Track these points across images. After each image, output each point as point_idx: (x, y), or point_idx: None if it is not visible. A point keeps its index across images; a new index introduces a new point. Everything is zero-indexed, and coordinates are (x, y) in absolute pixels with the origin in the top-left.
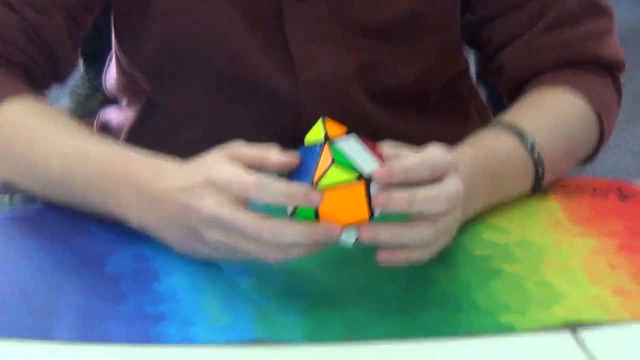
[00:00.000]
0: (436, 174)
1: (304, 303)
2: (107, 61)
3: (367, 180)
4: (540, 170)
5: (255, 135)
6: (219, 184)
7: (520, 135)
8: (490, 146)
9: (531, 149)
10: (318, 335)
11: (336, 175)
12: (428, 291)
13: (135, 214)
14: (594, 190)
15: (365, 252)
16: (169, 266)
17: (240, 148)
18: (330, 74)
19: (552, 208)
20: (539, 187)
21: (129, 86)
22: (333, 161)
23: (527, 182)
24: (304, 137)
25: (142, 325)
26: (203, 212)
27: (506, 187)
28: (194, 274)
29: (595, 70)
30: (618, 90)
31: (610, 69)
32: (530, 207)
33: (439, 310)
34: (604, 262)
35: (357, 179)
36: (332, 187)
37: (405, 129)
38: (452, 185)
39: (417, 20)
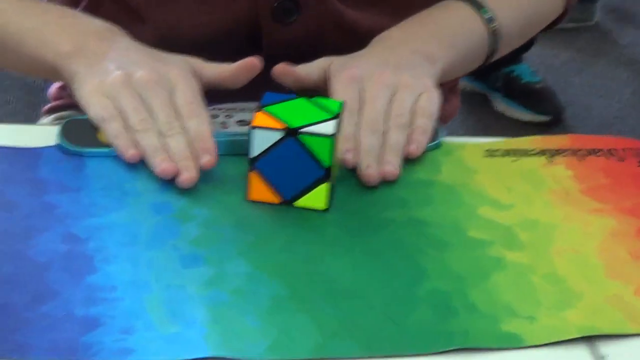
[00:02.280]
0: None
1: (266, 302)
2: None
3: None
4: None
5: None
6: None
7: (477, 5)
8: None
9: (489, 21)
10: (284, 349)
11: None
12: (416, 286)
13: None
14: (610, 152)
15: (337, 245)
16: (106, 250)
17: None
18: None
19: (560, 175)
20: (491, 57)
21: None
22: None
23: (483, 46)
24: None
25: (69, 332)
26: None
27: (457, 42)
28: (136, 260)
29: None
30: None
31: None
32: (535, 173)
33: (429, 313)
34: (624, 249)
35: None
36: None
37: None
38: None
39: None
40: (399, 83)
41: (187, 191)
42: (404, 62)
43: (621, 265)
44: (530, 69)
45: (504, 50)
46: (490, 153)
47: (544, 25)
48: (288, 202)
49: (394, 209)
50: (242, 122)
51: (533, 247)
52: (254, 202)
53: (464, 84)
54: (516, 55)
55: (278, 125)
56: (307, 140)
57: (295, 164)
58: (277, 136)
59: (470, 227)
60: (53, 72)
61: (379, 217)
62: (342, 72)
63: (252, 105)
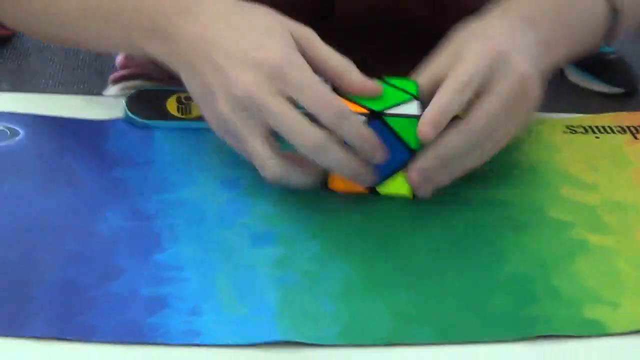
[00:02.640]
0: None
1: (339, 286)
2: None
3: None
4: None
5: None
6: (287, 79)
7: None
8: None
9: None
10: (356, 334)
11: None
12: (495, 270)
13: (160, 54)
14: None
15: (413, 227)
16: (174, 227)
17: (316, 42)
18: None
19: None
20: (611, 37)
21: None
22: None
23: (600, 30)
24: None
25: (134, 313)
26: (240, 87)
27: (577, 35)
28: (204, 238)
29: None
30: None
31: None
32: (620, 151)
33: (510, 299)
34: None
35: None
36: None
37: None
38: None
39: None
40: (525, 86)
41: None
42: (530, 53)
43: None
44: None
45: (618, 35)
46: (571, 129)
47: None
48: (372, 190)
49: (471, 189)
50: None
51: (618, 230)
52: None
53: None
54: None
55: (360, 109)
56: (393, 123)
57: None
58: (360, 120)
59: (552, 208)
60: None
61: (456, 198)
62: (479, 42)
63: None
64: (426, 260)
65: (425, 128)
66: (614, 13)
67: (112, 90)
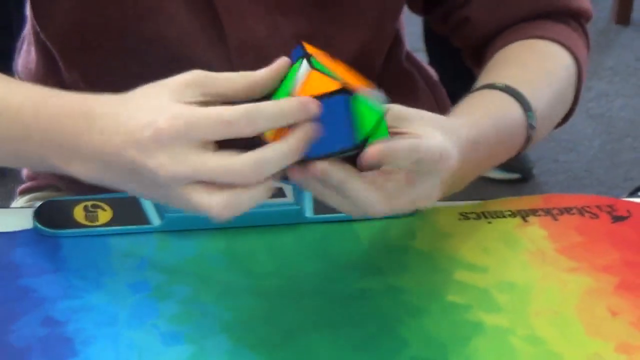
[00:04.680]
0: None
1: None
2: (17, 50)
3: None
4: (529, 139)
5: None
6: (192, 135)
7: (526, 107)
8: (496, 116)
9: (530, 126)
10: None
11: (317, 80)
12: (397, 355)
13: (82, 171)
14: (583, 209)
15: (316, 320)
16: (86, 331)
17: (208, 79)
18: (264, 36)
19: (535, 235)
20: (518, 154)
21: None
22: (312, 67)
23: (514, 151)
24: None
25: None
26: (161, 174)
27: (499, 157)
28: (116, 340)
29: (567, 20)
30: (587, 42)
31: (579, 19)
32: (510, 234)
33: None
34: (602, 306)
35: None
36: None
37: None
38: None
39: None
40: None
41: (164, 268)
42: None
43: (600, 323)
44: None
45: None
46: (465, 216)
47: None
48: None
49: (371, 277)
50: None
51: (511, 309)
52: (232, 277)
53: None
54: None
55: (332, 82)
56: (360, 105)
57: (331, 124)
58: (331, 86)
59: (448, 292)
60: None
61: (357, 286)
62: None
63: None
64: (331, 349)
65: (374, 153)
66: (529, 137)
67: (20, 201)
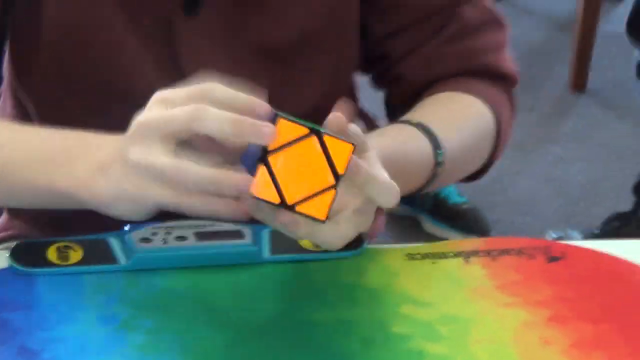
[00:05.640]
0: None
1: None
2: None
3: (320, 134)
4: (433, 182)
5: None
6: (147, 125)
7: (435, 143)
8: (403, 143)
9: (437, 163)
10: None
11: (285, 129)
12: None
13: (85, 188)
14: (521, 251)
15: (269, 332)
16: (59, 358)
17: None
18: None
19: (476, 274)
20: (422, 190)
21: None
22: (278, 116)
23: (418, 183)
24: None
25: None
26: (130, 161)
27: (405, 186)
28: None
29: (493, 81)
30: (513, 104)
31: (506, 82)
32: (454, 274)
33: None
34: (535, 336)
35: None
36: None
37: None
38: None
39: (312, 39)
40: None
41: (131, 303)
42: None
43: (533, 351)
44: (456, 190)
45: (433, 188)
46: (411, 257)
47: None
48: (288, 207)
49: (323, 312)
50: (180, 238)
51: (452, 339)
52: (195, 311)
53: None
54: None
55: (299, 127)
56: (330, 143)
57: (308, 165)
58: (300, 132)
59: (394, 324)
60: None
61: (310, 319)
62: None
63: (189, 223)
64: None
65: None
66: (435, 173)
67: None
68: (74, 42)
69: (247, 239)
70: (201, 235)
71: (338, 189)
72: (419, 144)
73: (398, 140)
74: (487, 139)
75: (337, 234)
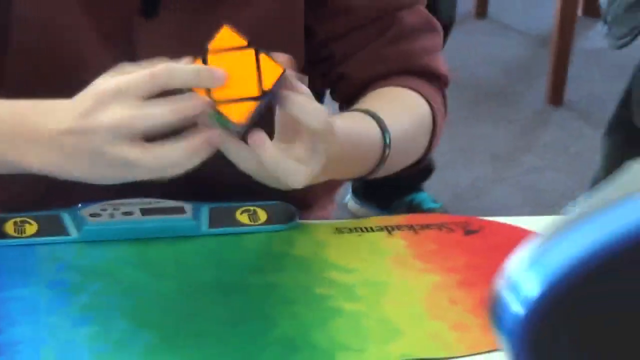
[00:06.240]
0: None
1: (142, 348)
2: None
3: (257, 51)
4: (382, 164)
5: None
6: (112, 91)
7: (382, 127)
8: (355, 125)
9: (385, 145)
10: None
11: (226, 37)
12: (267, 332)
13: (36, 160)
14: (442, 225)
15: (205, 294)
16: (11, 316)
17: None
18: None
19: (398, 245)
20: (371, 174)
21: None
22: (224, 27)
23: (370, 165)
24: None
25: None
26: (104, 126)
27: (357, 165)
28: (36, 323)
29: (429, 80)
30: (445, 102)
31: (440, 82)
32: (377, 244)
33: (277, 351)
34: (445, 297)
35: (247, 47)
36: (223, 52)
37: None
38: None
39: (261, 41)
40: None
41: (79, 270)
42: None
43: (442, 310)
44: (430, 196)
45: (381, 173)
46: (339, 230)
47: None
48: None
49: (253, 277)
50: (127, 214)
51: (368, 299)
52: (138, 277)
53: (369, 213)
54: (416, 184)
55: (238, 38)
56: (263, 60)
57: (239, 73)
58: (239, 43)
59: (317, 286)
60: None
61: (241, 284)
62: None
63: (136, 200)
64: (215, 327)
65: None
66: (384, 155)
67: None
68: (41, 41)
69: (188, 214)
70: (146, 211)
71: (261, 102)
72: (368, 126)
73: (350, 122)
74: (425, 127)
75: (291, 171)
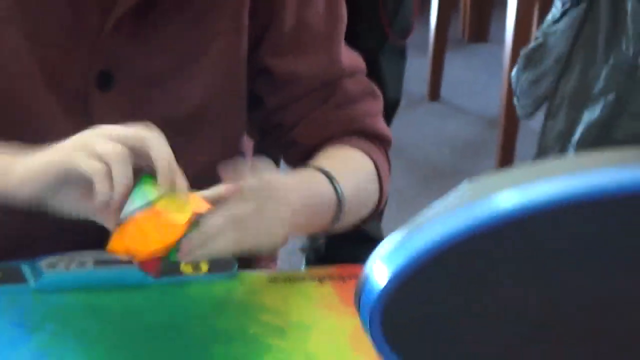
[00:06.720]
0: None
1: None
2: None
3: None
4: (338, 218)
5: (64, 233)
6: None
7: (334, 183)
8: (309, 182)
9: (340, 202)
10: None
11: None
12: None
13: (27, 188)
14: None
15: (151, 337)
16: None
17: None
18: None
19: (326, 292)
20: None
21: None
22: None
23: (327, 221)
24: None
25: None
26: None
27: (316, 214)
28: None
29: (372, 141)
30: (389, 160)
31: (382, 142)
32: (306, 292)
33: None
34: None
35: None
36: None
37: None
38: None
39: (206, 112)
40: None
41: (38, 314)
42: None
43: (366, 344)
44: None
45: (336, 229)
46: (274, 279)
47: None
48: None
49: (196, 320)
50: (81, 264)
51: (296, 337)
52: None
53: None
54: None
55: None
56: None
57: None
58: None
59: (252, 327)
60: None
61: (185, 325)
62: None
63: (89, 252)
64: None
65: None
66: (338, 212)
67: None
68: (1, 106)
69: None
70: (99, 262)
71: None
72: (322, 183)
73: (306, 180)
74: (373, 183)
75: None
